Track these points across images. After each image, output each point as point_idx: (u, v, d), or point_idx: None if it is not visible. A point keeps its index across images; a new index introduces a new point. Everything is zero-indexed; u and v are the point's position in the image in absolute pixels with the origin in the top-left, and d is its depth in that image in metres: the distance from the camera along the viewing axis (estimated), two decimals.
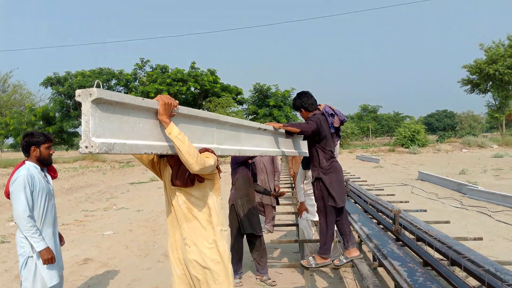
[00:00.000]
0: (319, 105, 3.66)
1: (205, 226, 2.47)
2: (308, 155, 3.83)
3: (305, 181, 4.65)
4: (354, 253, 3.61)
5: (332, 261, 3.63)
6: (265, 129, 3.35)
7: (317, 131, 3.42)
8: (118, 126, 1.85)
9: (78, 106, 34.05)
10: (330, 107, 3.65)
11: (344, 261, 3.58)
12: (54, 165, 3.33)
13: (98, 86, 1.76)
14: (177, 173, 2.38)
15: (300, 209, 4.70)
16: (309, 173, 4.65)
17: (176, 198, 2.47)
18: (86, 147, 1.67)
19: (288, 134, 3.54)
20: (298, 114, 3.75)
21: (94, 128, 1.70)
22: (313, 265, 3.58)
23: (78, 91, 1.71)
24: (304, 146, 4.06)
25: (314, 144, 3.52)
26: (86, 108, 1.69)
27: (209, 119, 2.57)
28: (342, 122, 3.64)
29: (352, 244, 3.64)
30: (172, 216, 2.53)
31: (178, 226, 2.50)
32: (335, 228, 3.67)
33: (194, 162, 2.18)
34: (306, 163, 4.43)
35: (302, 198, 4.65)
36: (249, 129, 3.17)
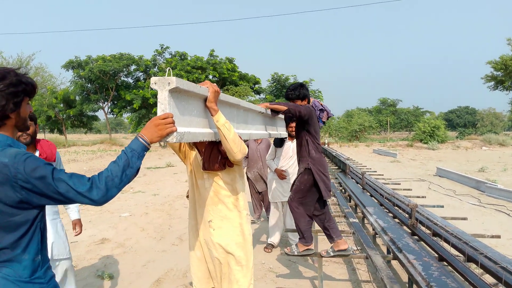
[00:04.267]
0: None
1: (231, 209, 2.49)
2: (283, 136, 4.25)
3: (275, 159, 5.19)
4: (342, 245, 3.54)
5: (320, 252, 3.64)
6: (262, 112, 3.35)
7: (307, 118, 3.39)
8: (182, 114, 1.85)
9: (98, 90, 34.55)
10: (319, 102, 3.71)
11: (331, 254, 3.55)
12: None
13: (169, 73, 1.74)
14: (209, 157, 2.40)
15: (279, 174, 5.00)
16: (280, 151, 5.09)
17: (203, 181, 2.50)
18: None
19: (273, 112, 3.49)
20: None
21: None
22: (295, 253, 3.59)
23: (154, 79, 1.69)
24: (282, 128, 4.28)
25: (304, 134, 3.51)
26: (163, 97, 1.68)
27: (233, 104, 2.59)
28: (328, 117, 3.75)
29: (338, 237, 3.58)
30: (196, 199, 2.55)
31: (202, 209, 2.52)
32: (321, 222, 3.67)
33: (238, 150, 2.22)
34: (279, 142, 4.94)
35: (275, 166, 5.11)
36: (253, 113, 3.19)
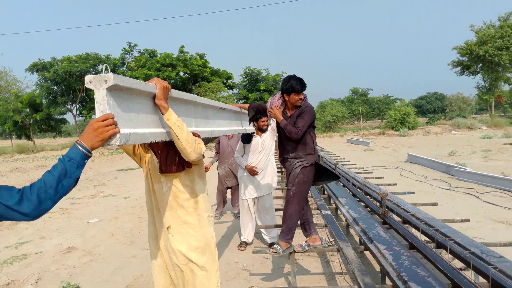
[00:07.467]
0: None
1: (190, 213, 2.36)
2: (250, 131, 4.37)
3: (244, 155, 5.04)
4: (317, 241, 3.63)
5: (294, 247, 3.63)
6: (224, 109, 3.29)
7: (312, 121, 3.51)
8: (127, 114, 1.70)
9: (65, 92, 33.50)
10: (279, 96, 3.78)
11: (306, 248, 3.59)
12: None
13: (107, 70, 1.59)
14: (166, 159, 2.26)
15: (250, 170, 4.87)
16: (248, 147, 4.96)
17: (160, 185, 2.35)
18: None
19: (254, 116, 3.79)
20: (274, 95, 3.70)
21: None
22: (281, 253, 3.52)
23: (89, 77, 1.53)
24: (247, 123, 4.35)
25: (309, 131, 3.55)
26: (101, 97, 1.53)
27: (188, 101, 2.46)
28: None
29: (314, 231, 3.67)
30: (153, 204, 2.41)
31: (160, 214, 2.39)
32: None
33: (192, 150, 2.09)
34: (247, 137, 4.87)
35: (245, 162, 4.95)
36: (214, 110, 3.10)
